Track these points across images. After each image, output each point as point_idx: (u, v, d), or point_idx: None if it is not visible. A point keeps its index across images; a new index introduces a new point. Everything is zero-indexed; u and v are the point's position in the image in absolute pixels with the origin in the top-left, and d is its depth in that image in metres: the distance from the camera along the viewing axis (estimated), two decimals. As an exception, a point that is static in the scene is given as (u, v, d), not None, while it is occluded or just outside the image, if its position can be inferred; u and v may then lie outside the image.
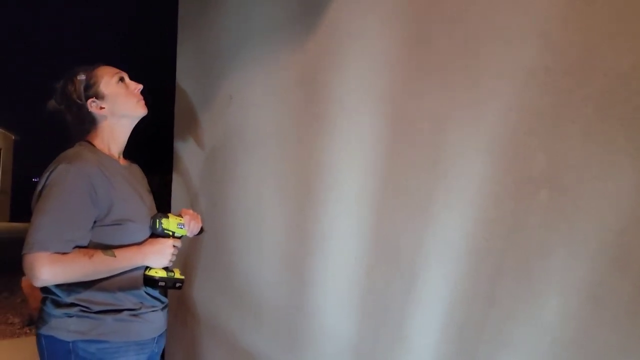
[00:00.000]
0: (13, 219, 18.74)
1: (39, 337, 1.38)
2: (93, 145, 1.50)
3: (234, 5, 2.09)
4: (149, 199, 1.60)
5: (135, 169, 1.66)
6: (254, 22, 1.96)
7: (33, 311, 4.89)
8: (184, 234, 1.53)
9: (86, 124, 1.51)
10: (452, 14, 1.23)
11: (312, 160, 1.64)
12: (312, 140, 1.64)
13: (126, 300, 1.41)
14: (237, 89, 2.05)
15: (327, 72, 1.59)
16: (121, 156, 1.58)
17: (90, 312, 1.35)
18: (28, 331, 4.25)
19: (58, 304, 1.36)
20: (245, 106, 2.01)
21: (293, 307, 1.70)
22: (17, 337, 4.12)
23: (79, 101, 1.49)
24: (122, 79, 1.53)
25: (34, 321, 4.41)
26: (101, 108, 1.49)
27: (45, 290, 1.39)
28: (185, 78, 2.44)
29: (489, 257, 1.12)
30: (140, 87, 1.54)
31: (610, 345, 0.90)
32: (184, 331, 2.31)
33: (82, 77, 1.51)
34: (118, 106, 1.50)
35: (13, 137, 19.46)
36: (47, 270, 1.25)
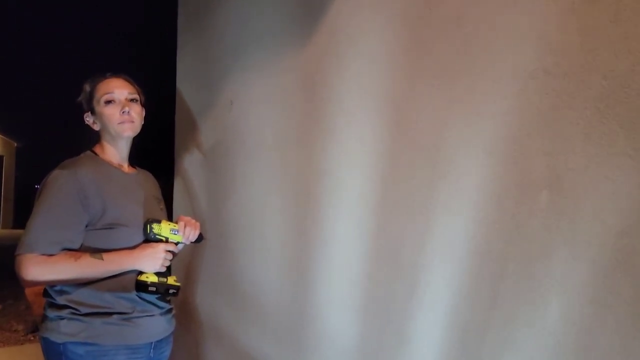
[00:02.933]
0: (16, 225, 18.75)
1: (40, 339, 1.44)
2: (96, 155, 1.52)
3: (233, 10, 2.10)
4: (155, 206, 1.59)
5: (144, 177, 1.66)
6: (253, 27, 1.97)
7: (37, 318, 4.88)
8: (179, 240, 1.51)
9: (93, 134, 1.55)
10: (451, 17, 1.23)
11: (313, 163, 1.64)
12: (312, 143, 1.64)
13: (117, 303, 1.41)
14: (237, 94, 2.05)
15: (327, 74, 1.59)
16: (125, 164, 1.58)
17: (80, 315, 1.38)
18: (32, 338, 4.24)
19: (52, 307, 1.41)
20: (245, 111, 2.01)
21: (296, 311, 1.70)
22: (21, 344, 4.11)
23: (84, 109, 1.54)
24: (110, 101, 1.49)
25: (38, 328, 4.41)
26: (94, 123, 1.53)
27: (45, 293, 1.44)
28: (185, 83, 2.45)
29: (490, 259, 1.11)
30: (126, 109, 1.49)
31: (613, 348, 0.90)
32: (187, 336, 2.31)
33: (87, 87, 1.53)
34: (104, 125, 1.51)
35: (15, 144, 19.48)
36: (31, 270, 1.31)
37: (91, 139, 1.57)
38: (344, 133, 1.53)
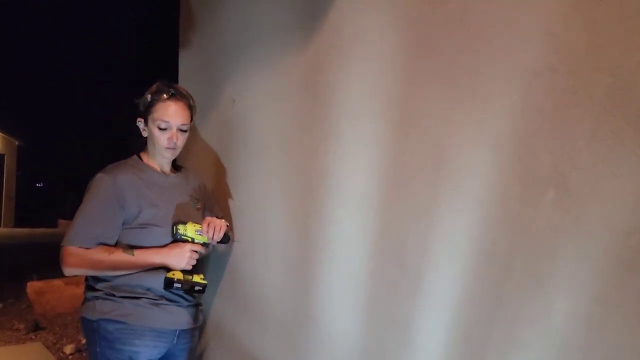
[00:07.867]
0: (17, 224, 18.77)
1: (79, 318, 1.62)
2: (141, 160, 1.68)
3: (236, 9, 2.09)
4: (190, 207, 1.70)
5: (184, 178, 1.79)
6: (256, 26, 1.96)
7: (38, 317, 4.88)
8: (204, 241, 1.59)
9: (141, 137, 1.69)
10: (455, 15, 1.22)
11: (316, 163, 1.63)
12: (315, 143, 1.64)
13: (147, 292, 1.55)
14: (239, 93, 2.05)
15: (330, 74, 1.59)
16: (167, 168, 1.72)
17: (113, 297, 1.53)
18: (33, 337, 4.24)
19: (90, 289, 1.58)
20: (248, 110, 2.00)
21: (299, 312, 1.69)
22: (23, 343, 4.11)
23: (138, 112, 1.66)
24: (163, 129, 1.61)
25: (39, 327, 4.41)
26: (143, 130, 1.66)
27: (85, 279, 1.62)
28: (187, 82, 2.44)
29: (495, 259, 1.11)
30: (174, 141, 1.62)
31: (620, 347, 0.89)
32: (189, 335, 2.30)
33: (148, 97, 1.64)
34: (151, 140, 1.65)
35: (16, 143, 19.51)
36: (70, 261, 1.48)
37: (133, 134, 1.71)
38: (346, 133, 1.52)
